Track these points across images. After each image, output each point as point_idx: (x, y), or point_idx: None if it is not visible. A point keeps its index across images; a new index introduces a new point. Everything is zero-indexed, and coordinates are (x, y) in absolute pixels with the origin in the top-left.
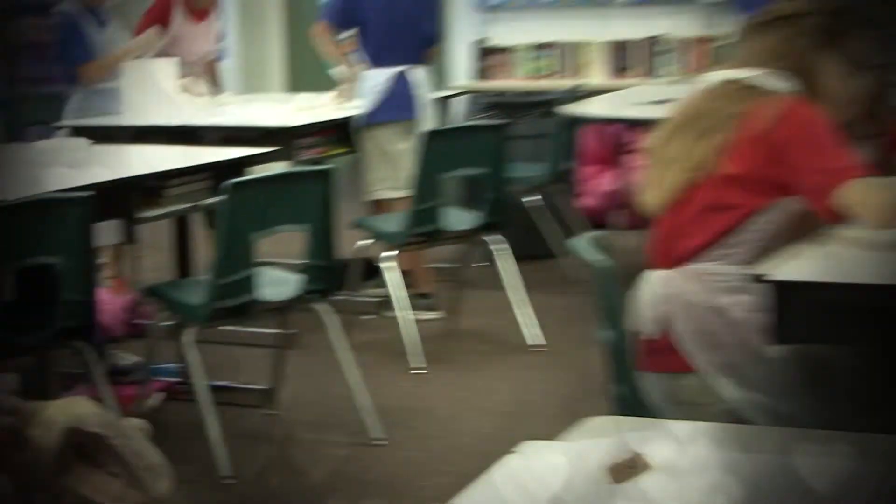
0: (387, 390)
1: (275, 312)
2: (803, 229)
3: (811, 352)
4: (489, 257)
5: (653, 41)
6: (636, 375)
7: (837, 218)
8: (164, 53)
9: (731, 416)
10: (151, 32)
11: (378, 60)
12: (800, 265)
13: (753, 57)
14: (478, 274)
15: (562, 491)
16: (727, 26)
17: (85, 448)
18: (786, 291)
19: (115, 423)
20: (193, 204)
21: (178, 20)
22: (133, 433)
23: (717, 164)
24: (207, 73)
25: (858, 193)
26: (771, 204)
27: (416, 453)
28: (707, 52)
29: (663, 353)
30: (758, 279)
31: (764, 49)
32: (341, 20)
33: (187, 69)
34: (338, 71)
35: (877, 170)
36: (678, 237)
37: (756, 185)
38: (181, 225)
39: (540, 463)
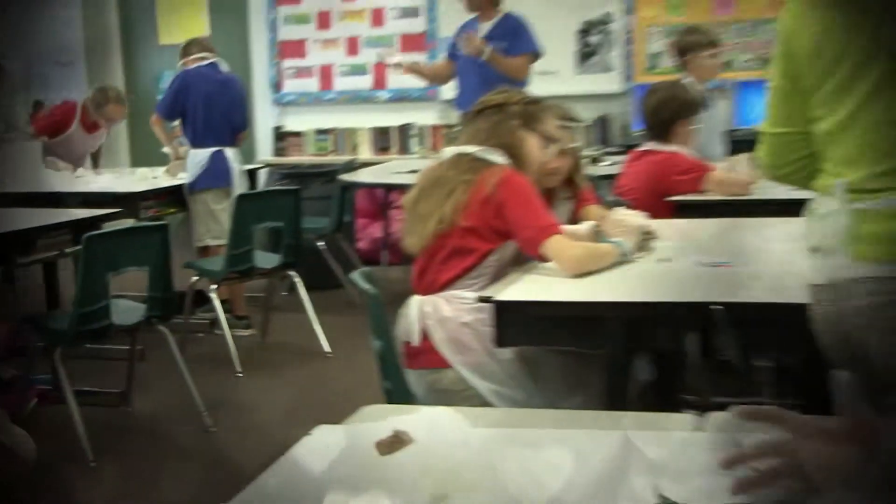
0: (215, 390)
1: (126, 333)
2: (520, 262)
3: (527, 352)
4: (290, 288)
5: (405, 127)
6: (403, 372)
7: (544, 259)
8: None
9: (477, 401)
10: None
11: (200, 143)
12: (515, 289)
13: (475, 137)
14: (281, 300)
15: (340, 461)
16: (456, 117)
17: None
18: (504, 308)
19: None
20: (60, 251)
21: (74, 130)
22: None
23: (457, 219)
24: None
25: (556, 248)
26: (499, 247)
27: (238, 437)
28: (443, 135)
29: (424, 354)
30: (486, 300)
31: (481, 130)
32: (170, 113)
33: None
34: (169, 150)
35: (570, 224)
36: (434, 272)
37: (487, 234)
38: (50, 268)
39: (329, 440)
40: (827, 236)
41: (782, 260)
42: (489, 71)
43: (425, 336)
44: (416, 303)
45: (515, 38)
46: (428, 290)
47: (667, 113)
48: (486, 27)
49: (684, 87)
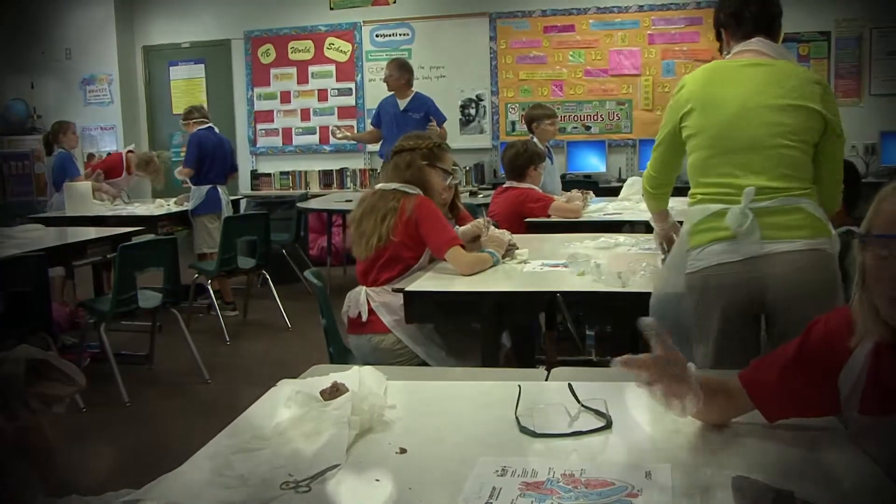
0: (212, 353)
1: (149, 314)
2: (434, 262)
3: (437, 327)
4: (263, 282)
5: (343, 170)
6: (344, 339)
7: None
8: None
9: (407, 356)
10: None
11: (201, 182)
12: (419, 283)
13: (395, 173)
14: (257, 291)
15: (295, 404)
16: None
17: (38, 369)
18: (410, 296)
19: (53, 354)
20: (103, 257)
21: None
22: (61, 360)
23: (390, 236)
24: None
25: (455, 256)
26: (422, 253)
27: (227, 386)
28: (368, 176)
29: (369, 325)
30: (399, 290)
31: (399, 167)
32: (195, 165)
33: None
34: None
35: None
36: (376, 273)
37: (411, 244)
38: (97, 268)
39: (288, 390)
40: (742, 225)
41: (599, 261)
42: (405, 130)
43: (371, 312)
44: (362, 291)
45: (431, 113)
46: (372, 284)
47: (521, 161)
48: (403, 102)
49: (533, 143)
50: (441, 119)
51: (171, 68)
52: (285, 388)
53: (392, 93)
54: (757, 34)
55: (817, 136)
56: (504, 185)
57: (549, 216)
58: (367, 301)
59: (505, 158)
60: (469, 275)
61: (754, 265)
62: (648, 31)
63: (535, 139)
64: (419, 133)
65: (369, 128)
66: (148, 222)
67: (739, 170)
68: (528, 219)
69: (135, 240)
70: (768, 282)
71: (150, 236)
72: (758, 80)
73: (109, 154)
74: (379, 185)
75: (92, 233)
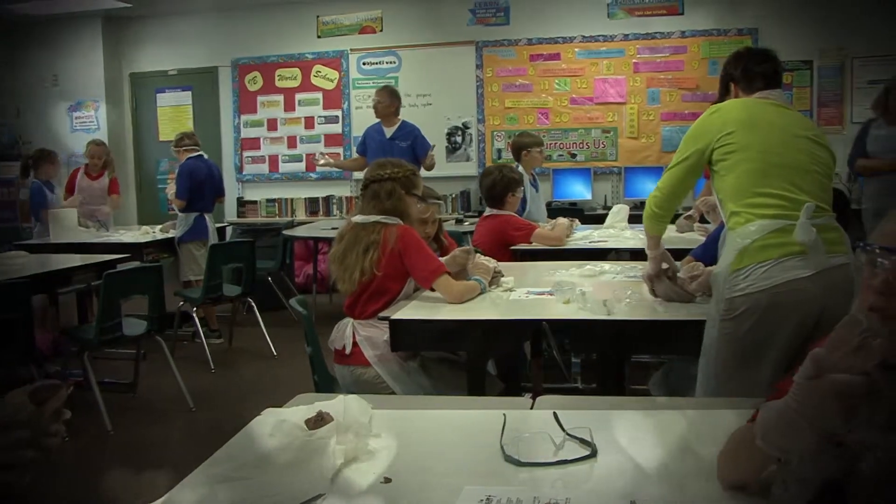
0: (196, 381)
1: (133, 341)
2: (419, 290)
3: (426, 362)
4: (248, 309)
5: (329, 197)
6: (330, 368)
7: (434, 290)
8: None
9: (388, 390)
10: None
11: (189, 209)
12: (405, 311)
13: (374, 203)
14: (242, 318)
15: (280, 434)
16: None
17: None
18: (396, 324)
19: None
20: (88, 284)
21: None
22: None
23: (375, 270)
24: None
25: (444, 285)
26: (405, 284)
27: (211, 415)
28: (354, 203)
29: (353, 356)
30: (385, 318)
31: (379, 197)
32: (188, 195)
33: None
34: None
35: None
36: (362, 306)
37: (396, 276)
38: (81, 295)
39: (273, 419)
40: (811, 240)
41: (584, 288)
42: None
43: (355, 344)
44: (349, 323)
45: (417, 141)
46: (358, 316)
47: (499, 188)
48: (390, 130)
49: (509, 168)
50: (427, 148)
51: (157, 95)
52: (270, 417)
53: (378, 120)
54: (768, 88)
55: (832, 172)
56: (486, 214)
57: (531, 243)
58: (353, 333)
59: (483, 186)
60: (458, 303)
61: (821, 279)
62: (633, 60)
63: (521, 167)
64: (392, 160)
65: (355, 155)
66: (133, 249)
67: (792, 186)
68: (513, 246)
69: (120, 267)
70: (828, 295)
71: (136, 263)
72: (790, 116)
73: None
74: (357, 218)
75: (76, 260)
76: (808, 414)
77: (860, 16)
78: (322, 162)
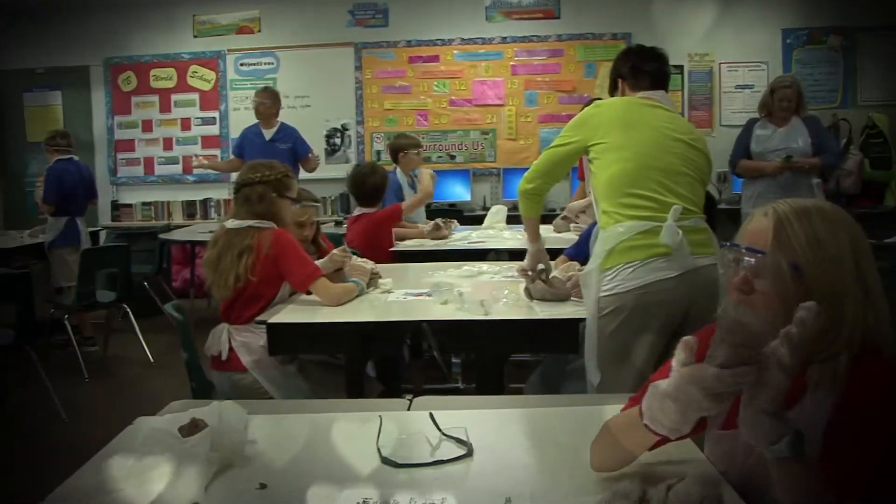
0: (69, 391)
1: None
2: (295, 295)
3: (304, 366)
4: (123, 316)
5: (206, 200)
6: (206, 375)
7: (310, 293)
8: None
9: (266, 395)
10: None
11: (60, 213)
12: (282, 314)
13: (247, 208)
14: (119, 325)
15: (149, 443)
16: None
17: None
18: (274, 328)
19: None
20: None
21: None
22: None
23: (249, 275)
24: None
25: (321, 287)
26: (280, 289)
27: (84, 425)
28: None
29: (230, 362)
30: (261, 322)
31: (251, 201)
32: (56, 200)
33: None
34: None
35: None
36: (238, 311)
37: (271, 280)
38: None
39: (146, 427)
40: (676, 241)
41: (463, 289)
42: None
43: (231, 350)
44: (225, 328)
45: (297, 143)
46: (234, 322)
47: (381, 189)
48: (269, 132)
49: (381, 166)
50: (307, 149)
51: (24, 94)
52: (142, 425)
53: (256, 122)
54: (654, 88)
55: (706, 176)
56: (355, 214)
57: (403, 222)
58: (229, 339)
59: (354, 184)
60: (336, 305)
61: (686, 280)
62: (511, 62)
63: (398, 169)
64: (263, 162)
65: (231, 157)
66: (0, 256)
67: (662, 188)
68: (394, 245)
69: None
70: (694, 295)
71: (3, 270)
72: (667, 118)
73: None
74: (230, 224)
75: None
76: (681, 398)
77: (727, 23)
78: (195, 164)
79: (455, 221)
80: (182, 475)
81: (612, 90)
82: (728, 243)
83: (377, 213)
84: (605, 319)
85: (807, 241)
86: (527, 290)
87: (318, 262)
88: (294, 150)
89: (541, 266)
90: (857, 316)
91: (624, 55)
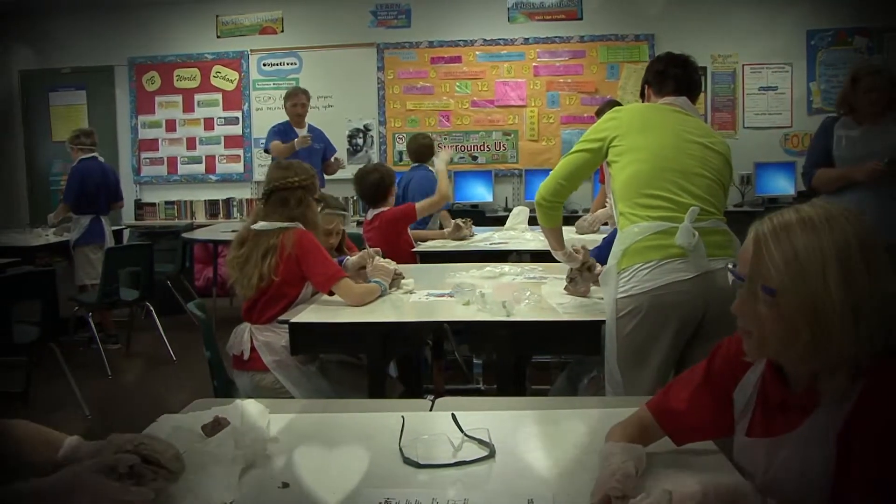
0: (92, 388)
1: (25, 348)
2: (317, 295)
3: (325, 366)
4: (146, 314)
5: (229, 200)
6: (229, 374)
7: (332, 294)
8: None
9: (288, 395)
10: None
11: (84, 212)
12: (305, 314)
13: (284, 212)
14: (141, 323)
15: (176, 440)
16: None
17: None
18: (296, 327)
19: None
20: None
21: None
22: None
23: (273, 276)
24: None
25: (344, 288)
26: (302, 289)
27: (109, 423)
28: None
29: (251, 362)
30: (284, 322)
31: (289, 205)
32: (77, 201)
33: None
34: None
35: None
36: (260, 310)
37: (293, 281)
38: None
39: (168, 424)
40: (692, 243)
41: (484, 290)
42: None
43: (253, 349)
44: (247, 328)
45: (328, 144)
46: (256, 321)
47: (382, 188)
48: (302, 132)
49: (383, 165)
50: (333, 151)
51: (50, 94)
52: (166, 423)
53: (285, 120)
54: (678, 94)
55: (725, 179)
56: (370, 217)
57: (415, 216)
58: (251, 339)
59: (363, 186)
60: (359, 306)
61: (702, 282)
62: (534, 63)
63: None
64: (293, 164)
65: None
66: (24, 253)
67: (678, 188)
68: (415, 248)
69: (10, 272)
70: (711, 297)
71: (28, 268)
72: (686, 122)
73: None
74: (259, 225)
75: None
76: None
77: (751, 24)
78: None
79: (470, 220)
80: (212, 474)
81: (641, 96)
82: (731, 265)
83: (388, 212)
84: (623, 321)
85: (783, 261)
86: (569, 287)
87: (348, 258)
88: (325, 151)
89: (582, 260)
90: (846, 330)
91: (653, 62)
